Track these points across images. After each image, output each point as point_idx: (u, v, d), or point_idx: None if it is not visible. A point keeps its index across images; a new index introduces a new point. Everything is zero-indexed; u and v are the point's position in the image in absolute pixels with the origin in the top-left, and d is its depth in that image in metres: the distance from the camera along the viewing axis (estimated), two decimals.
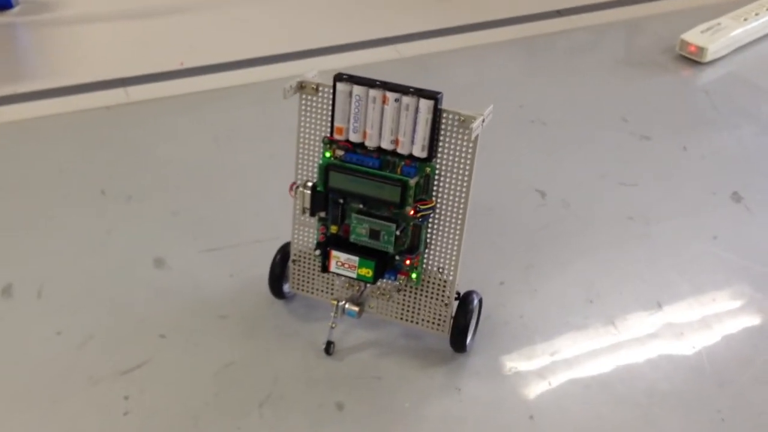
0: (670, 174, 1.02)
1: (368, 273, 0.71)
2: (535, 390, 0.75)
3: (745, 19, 1.28)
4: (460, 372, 0.75)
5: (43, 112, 1.09)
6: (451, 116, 0.68)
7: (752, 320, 0.82)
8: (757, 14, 1.30)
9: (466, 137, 0.67)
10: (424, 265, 0.74)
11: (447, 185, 0.70)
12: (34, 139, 1.04)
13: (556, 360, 0.77)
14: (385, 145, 0.69)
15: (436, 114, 0.67)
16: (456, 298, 0.75)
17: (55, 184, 0.96)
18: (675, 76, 1.22)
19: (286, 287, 0.80)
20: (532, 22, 1.35)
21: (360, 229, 0.71)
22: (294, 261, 0.79)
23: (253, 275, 0.84)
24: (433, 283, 0.74)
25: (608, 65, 1.24)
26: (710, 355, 0.78)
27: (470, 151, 0.68)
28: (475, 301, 0.75)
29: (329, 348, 0.76)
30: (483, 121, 0.67)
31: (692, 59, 1.24)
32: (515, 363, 0.77)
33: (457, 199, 0.70)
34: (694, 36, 1.25)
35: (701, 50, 1.23)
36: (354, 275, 0.72)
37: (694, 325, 0.81)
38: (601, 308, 0.83)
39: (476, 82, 1.18)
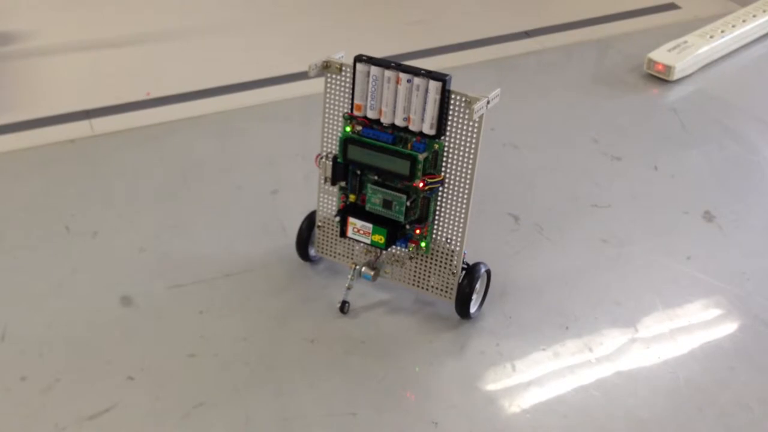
0: (642, 194, 1.02)
1: (381, 240, 0.77)
2: (513, 420, 0.73)
3: (711, 37, 1.29)
4: (437, 401, 0.74)
5: (5, 148, 1.07)
6: (458, 97, 0.73)
7: (728, 342, 0.82)
8: (723, 32, 1.31)
9: (470, 117, 0.72)
10: (433, 236, 0.79)
11: (454, 161, 0.75)
12: None
13: (533, 389, 0.76)
14: (398, 122, 0.75)
15: (444, 95, 0.72)
16: (464, 269, 0.79)
17: (18, 222, 0.94)
18: (643, 95, 1.22)
19: (312, 251, 0.87)
20: (501, 44, 1.35)
21: (375, 198, 0.77)
22: (319, 227, 0.85)
23: (222, 311, 0.82)
24: (442, 253, 0.80)
25: (577, 86, 1.24)
26: (688, 379, 0.78)
27: (476, 130, 0.73)
28: (482, 271, 0.80)
29: (344, 307, 0.82)
30: (488, 102, 0.72)
31: (660, 77, 1.25)
32: (492, 392, 0.76)
33: (463, 174, 0.76)
34: (661, 54, 1.25)
35: (668, 69, 1.23)
36: (368, 241, 0.78)
37: (671, 348, 0.81)
38: (577, 334, 0.82)
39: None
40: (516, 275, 0.88)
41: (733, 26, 1.32)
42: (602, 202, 1.00)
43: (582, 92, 1.23)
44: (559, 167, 1.06)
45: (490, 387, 0.76)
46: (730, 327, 0.84)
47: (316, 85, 1.21)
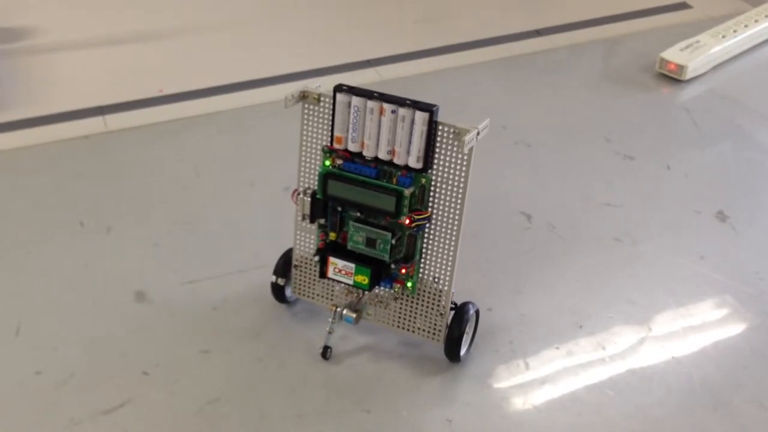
0: (654, 193, 1.01)
1: (364, 280, 0.72)
2: (526, 418, 0.73)
3: (724, 36, 1.29)
4: (451, 399, 0.74)
5: (20, 143, 1.07)
6: (446, 129, 0.69)
7: (742, 341, 0.82)
8: (735, 31, 1.30)
9: (460, 149, 0.68)
10: (420, 275, 0.75)
11: (442, 196, 0.71)
12: (10, 171, 1.02)
13: (547, 388, 0.76)
14: (382, 155, 0.70)
15: (432, 126, 0.68)
16: (452, 309, 0.75)
17: (33, 218, 0.94)
18: (655, 94, 1.22)
19: (288, 292, 0.81)
20: (512, 42, 1.35)
21: (357, 236, 0.72)
22: (296, 266, 0.80)
23: (236, 307, 0.83)
24: (429, 293, 0.75)
25: (589, 84, 1.24)
26: (702, 378, 0.77)
27: (465, 163, 0.69)
28: (471, 312, 0.76)
29: (326, 352, 0.77)
30: (478, 134, 0.68)
31: (672, 77, 1.24)
32: (506, 390, 0.76)
33: (452, 210, 0.71)
34: (673, 54, 1.25)
35: (681, 68, 1.23)
36: (351, 282, 0.73)
37: (684, 347, 0.81)
38: (591, 332, 0.82)
39: (457, 104, 1.17)
40: (529, 274, 0.88)
41: (746, 26, 1.32)
42: (615, 201, 0.99)
43: (594, 91, 1.22)
44: (572, 166, 1.06)
45: (504, 385, 0.76)
46: (743, 326, 0.84)
47: (326, 83, 1.22)
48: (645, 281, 0.88)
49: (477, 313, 0.77)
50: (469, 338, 0.78)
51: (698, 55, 1.24)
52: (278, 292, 0.81)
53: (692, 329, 0.83)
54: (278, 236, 0.91)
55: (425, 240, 0.73)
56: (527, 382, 0.77)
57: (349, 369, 0.77)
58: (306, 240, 0.78)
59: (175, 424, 0.71)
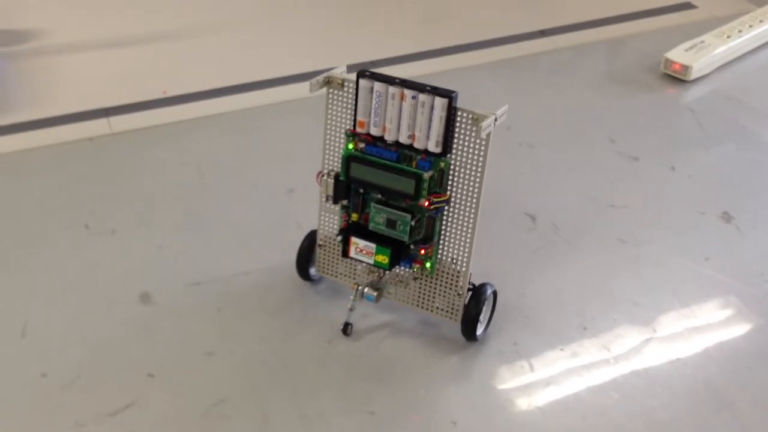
0: (659, 195, 1.01)
1: (384, 260, 0.75)
2: (530, 420, 0.73)
3: (729, 37, 1.28)
4: (456, 398, 0.74)
5: (24, 146, 1.07)
6: (464, 114, 0.71)
7: (746, 343, 0.82)
8: (740, 31, 1.30)
9: (478, 135, 0.70)
10: (438, 256, 0.77)
11: (461, 180, 0.73)
12: (15, 173, 1.03)
13: (551, 389, 0.76)
14: (403, 139, 0.72)
15: (450, 112, 0.70)
16: (470, 289, 0.77)
17: (38, 220, 0.95)
18: (660, 94, 1.22)
19: (313, 271, 0.84)
20: (516, 43, 1.35)
21: (378, 218, 0.75)
22: (320, 246, 0.83)
23: (241, 308, 0.83)
24: (447, 273, 0.78)
25: (593, 85, 1.24)
26: (706, 379, 0.77)
27: (483, 148, 0.71)
28: (488, 293, 0.78)
29: (347, 329, 0.80)
30: (495, 120, 0.70)
31: (677, 77, 1.24)
32: (510, 392, 0.76)
33: (470, 193, 0.73)
34: (678, 54, 1.25)
35: (686, 68, 1.23)
36: (371, 261, 0.76)
37: (689, 349, 0.81)
38: (595, 334, 0.82)
39: (461, 105, 1.17)
40: (533, 275, 0.88)
41: (750, 26, 1.32)
42: (619, 203, 0.99)
43: (598, 92, 1.22)
44: (576, 167, 1.06)
45: (508, 387, 0.76)
46: (748, 328, 0.83)
47: None
48: (649, 283, 0.88)
49: (495, 294, 0.80)
50: (487, 318, 0.80)
51: (703, 55, 1.24)
52: (303, 270, 0.84)
53: (697, 331, 0.83)
54: (282, 238, 0.91)
55: (444, 222, 0.76)
56: (531, 384, 0.77)
57: (368, 345, 0.79)
58: (330, 220, 0.81)
59: (180, 426, 0.72)
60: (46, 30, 1.34)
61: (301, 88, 1.23)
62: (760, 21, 1.34)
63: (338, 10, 1.44)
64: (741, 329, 0.83)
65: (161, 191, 0.99)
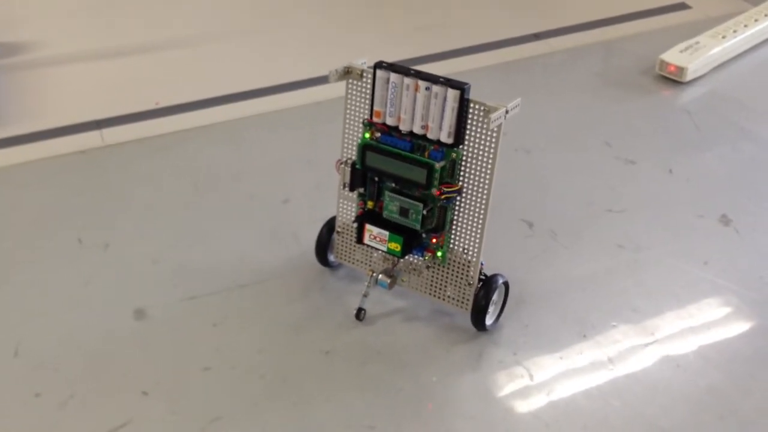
0: (657, 198, 1.01)
1: (397, 247, 0.77)
2: (531, 430, 0.72)
3: (724, 37, 1.28)
4: (456, 410, 0.73)
5: (15, 159, 1.06)
6: (476, 106, 0.72)
7: (748, 348, 0.81)
8: (735, 31, 1.29)
9: (488, 126, 0.71)
10: (450, 245, 0.79)
11: (472, 171, 0.75)
12: (7, 187, 1.02)
13: (552, 399, 0.75)
14: (417, 129, 0.74)
15: (463, 103, 0.72)
16: (482, 280, 0.79)
17: (29, 234, 0.94)
18: (656, 96, 1.21)
19: (331, 257, 0.87)
20: (510, 47, 1.34)
21: (392, 206, 0.77)
22: (338, 232, 0.85)
23: (237, 322, 0.82)
24: (459, 263, 0.79)
25: (588, 88, 1.23)
26: (708, 386, 0.77)
27: (494, 140, 0.73)
28: (498, 283, 0.79)
29: (360, 314, 0.82)
30: (506, 112, 0.71)
31: (672, 79, 1.24)
32: (510, 403, 0.75)
33: (480, 184, 0.75)
34: (673, 56, 1.24)
35: (681, 70, 1.22)
36: (384, 248, 0.78)
37: (689, 356, 0.80)
38: (595, 342, 0.81)
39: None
40: (532, 282, 0.87)
41: (746, 26, 1.31)
42: (617, 207, 0.99)
43: (593, 95, 1.22)
44: (572, 171, 1.05)
45: (508, 396, 0.76)
46: (749, 333, 0.83)
47: (324, 92, 1.22)
48: (649, 288, 0.87)
49: (506, 285, 0.80)
50: (498, 309, 0.81)
51: (698, 56, 1.24)
52: (322, 255, 0.86)
53: (698, 336, 0.82)
54: (279, 249, 0.91)
55: (455, 212, 0.77)
56: (532, 393, 0.76)
57: (380, 331, 0.81)
58: (348, 208, 0.83)
59: None
60: (36, 43, 1.33)
61: (294, 97, 1.24)
62: (755, 20, 1.33)
63: (331, 19, 1.43)
64: (743, 334, 0.83)
65: (155, 204, 0.98)
